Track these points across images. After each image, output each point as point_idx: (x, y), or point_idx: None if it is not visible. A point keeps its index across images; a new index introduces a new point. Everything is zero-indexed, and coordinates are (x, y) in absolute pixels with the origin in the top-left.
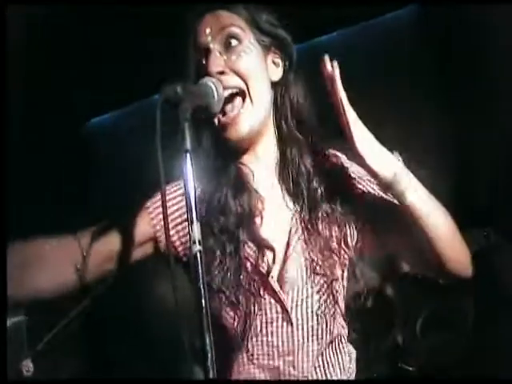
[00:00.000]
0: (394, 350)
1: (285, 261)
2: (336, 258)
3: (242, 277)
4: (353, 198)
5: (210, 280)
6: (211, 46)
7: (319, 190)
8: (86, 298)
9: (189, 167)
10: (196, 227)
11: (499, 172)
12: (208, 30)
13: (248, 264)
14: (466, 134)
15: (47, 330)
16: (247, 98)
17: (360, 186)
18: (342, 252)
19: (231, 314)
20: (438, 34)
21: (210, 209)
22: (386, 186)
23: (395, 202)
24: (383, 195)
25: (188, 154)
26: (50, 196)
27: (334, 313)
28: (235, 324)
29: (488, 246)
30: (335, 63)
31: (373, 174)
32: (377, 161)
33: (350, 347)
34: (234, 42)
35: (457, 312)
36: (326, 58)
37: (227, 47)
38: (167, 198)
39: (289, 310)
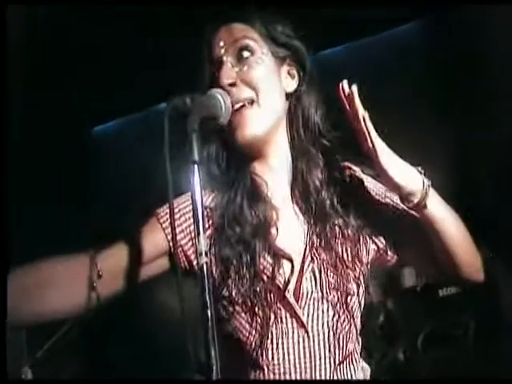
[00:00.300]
0: (396, 364)
1: (301, 274)
2: (350, 273)
3: (258, 288)
4: (369, 211)
5: (226, 291)
6: (224, 58)
7: (329, 203)
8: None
9: (196, 178)
10: (203, 239)
11: (502, 194)
12: (222, 43)
13: (264, 277)
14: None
15: (47, 337)
16: (255, 104)
17: (378, 198)
18: (356, 267)
19: (247, 326)
20: (445, 48)
21: (226, 219)
22: (408, 197)
23: (413, 213)
24: (402, 207)
25: (196, 165)
26: (52, 205)
27: (349, 328)
28: (250, 337)
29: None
30: (354, 87)
31: (395, 185)
32: (399, 172)
33: (364, 364)
34: (246, 54)
35: (458, 327)
36: (345, 83)
37: (239, 59)
38: (180, 209)
39: (305, 324)
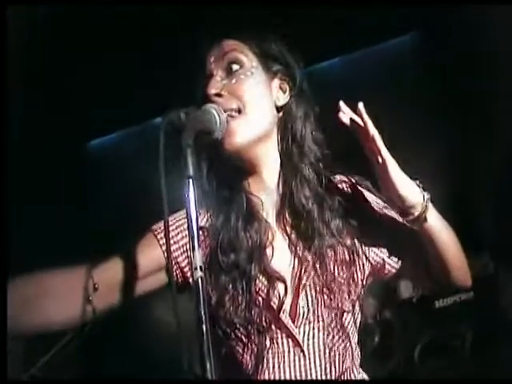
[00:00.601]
0: (393, 376)
1: (296, 294)
2: (345, 292)
3: (253, 312)
4: (365, 224)
5: (222, 312)
6: (214, 71)
7: (321, 222)
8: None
9: (191, 193)
10: (198, 253)
11: (498, 200)
12: (212, 58)
13: (259, 298)
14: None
15: (45, 349)
16: (242, 114)
17: (377, 210)
18: (351, 287)
19: (243, 348)
20: (440, 60)
21: (221, 244)
22: (409, 210)
23: (409, 225)
24: (400, 219)
25: (190, 180)
26: (49, 217)
27: (345, 346)
28: (247, 358)
29: (487, 272)
30: (361, 106)
31: (400, 198)
32: (404, 185)
33: (363, 374)
34: (235, 67)
35: (455, 337)
36: (361, 106)
37: (229, 72)
38: (176, 225)
39: (301, 343)
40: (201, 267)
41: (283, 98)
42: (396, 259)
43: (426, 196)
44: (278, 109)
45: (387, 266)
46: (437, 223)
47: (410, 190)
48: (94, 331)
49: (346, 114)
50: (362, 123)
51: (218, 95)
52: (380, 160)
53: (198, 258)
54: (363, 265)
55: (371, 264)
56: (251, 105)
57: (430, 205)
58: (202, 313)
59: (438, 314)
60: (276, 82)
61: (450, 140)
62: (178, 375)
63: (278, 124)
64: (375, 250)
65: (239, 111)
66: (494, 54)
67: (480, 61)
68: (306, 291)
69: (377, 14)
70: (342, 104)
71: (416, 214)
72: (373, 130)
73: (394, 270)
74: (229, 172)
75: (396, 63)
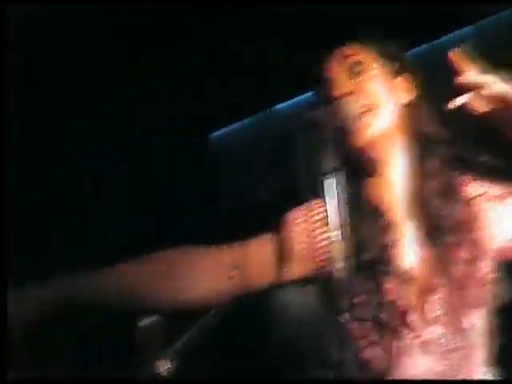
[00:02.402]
0: None
1: (425, 294)
2: (474, 288)
3: (383, 312)
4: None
5: (353, 313)
6: (338, 74)
7: (447, 219)
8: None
9: (332, 188)
10: (338, 245)
11: None
12: (335, 63)
13: (389, 298)
14: None
15: (184, 329)
16: (371, 112)
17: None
18: (478, 286)
19: (372, 347)
20: None
21: (354, 242)
22: None
23: None
24: None
25: (331, 175)
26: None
27: (473, 345)
28: (376, 357)
29: None
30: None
31: None
32: None
33: (490, 374)
34: (358, 68)
35: None
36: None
37: (353, 73)
38: (312, 215)
39: (429, 343)
40: (340, 259)
41: (407, 96)
42: None
43: None
44: (403, 106)
45: None
46: None
47: None
48: (236, 310)
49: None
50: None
51: (347, 94)
52: None
53: (339, 250)
54: (491, 258)
55: (499, 252)
56: (378, 102)
57: None
58: (341, 303)
59: None
60: (399, 81)
61: None
62: (316, 360)
63: (402, 121)
64: (501, 235)
65: (368, 109)
66: None
67: None
68: (434, 291)
69: None
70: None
71: None
72: None
73: None
74: (356, 169)
75: None
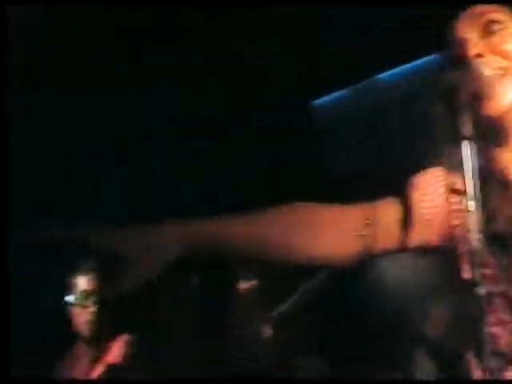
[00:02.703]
0: None
1: None
2: None
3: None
4: None
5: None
6: (469, 35)
7: None
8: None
9: (468, 155)
10: (474, 215)
11: None
12: (465, 22)
13: None
14: None
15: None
16: (508, 75)
17: None
18: None
19: (499, 326)
20: None
21: (483, 214)
22: None
23: None
24: None
25: (467, 142)
26: None
27: None
28: (502, 338)
29: None
30: None
31: None
32: None
33: None
34: (495, 27)
35: None
36: None
37: (487, 32)
38: (436, 180)
39: None
40: (478, 231)
41: None
42: None
43: None
44: None
45: None
46: None
47: None
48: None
49: None
50: None
51: (480, 55)
52: None
53: (475, 221)
54: None
55: None
56: None
57: None
58: (476, 275)
59: None
60: None
61: None
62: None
63: None
64: None
65: (505, 71)
66: None
67: None
68: None
69: None
70: None
71: None
72: None
73: None
74: (488, 138)
75: None
